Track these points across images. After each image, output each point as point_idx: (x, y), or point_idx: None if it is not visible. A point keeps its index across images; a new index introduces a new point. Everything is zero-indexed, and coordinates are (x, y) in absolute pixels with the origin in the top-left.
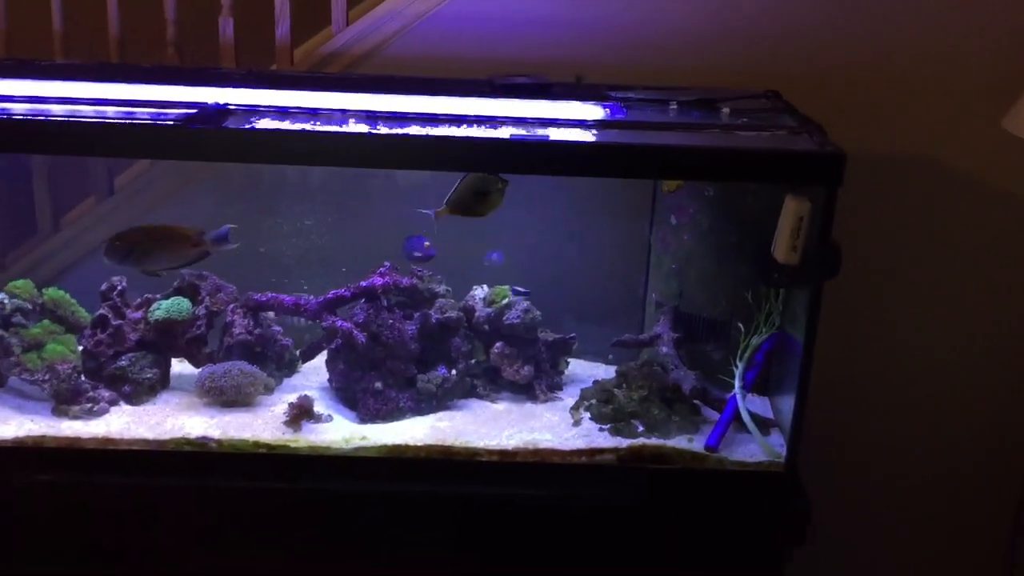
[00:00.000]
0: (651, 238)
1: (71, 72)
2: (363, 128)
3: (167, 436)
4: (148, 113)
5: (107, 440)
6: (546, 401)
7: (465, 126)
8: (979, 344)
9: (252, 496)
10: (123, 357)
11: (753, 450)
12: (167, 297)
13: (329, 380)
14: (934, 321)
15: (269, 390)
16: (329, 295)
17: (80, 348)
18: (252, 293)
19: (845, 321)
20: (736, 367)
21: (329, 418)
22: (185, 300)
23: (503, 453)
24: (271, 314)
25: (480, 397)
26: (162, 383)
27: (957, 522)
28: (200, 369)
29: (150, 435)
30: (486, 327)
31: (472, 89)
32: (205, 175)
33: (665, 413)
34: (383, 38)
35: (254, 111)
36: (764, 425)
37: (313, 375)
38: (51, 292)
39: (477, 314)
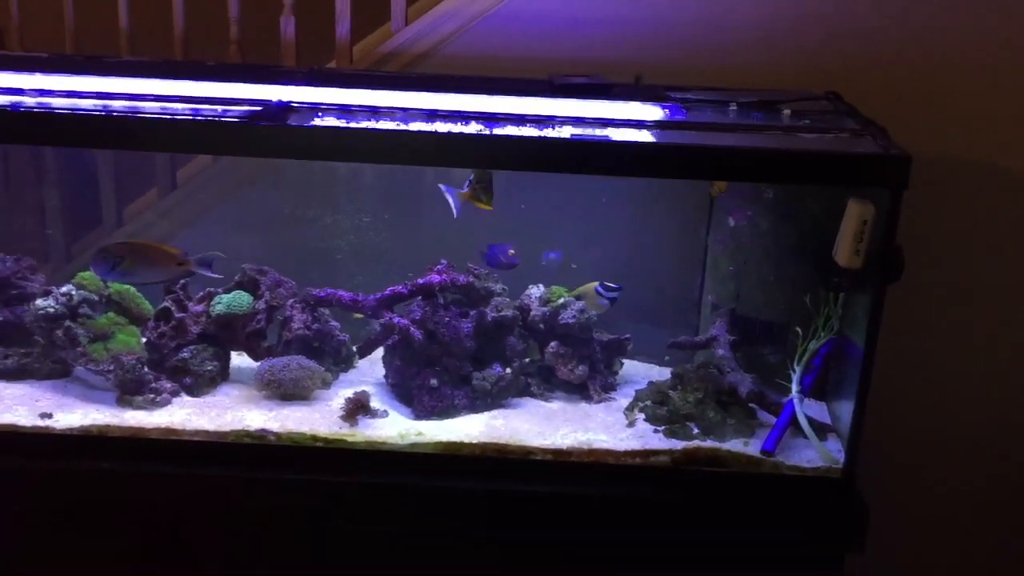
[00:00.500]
0: (708, 240)
1: (137, 69)
2: (424, 126)
3: (227, 428)
4: (213, 110)
5: (169, 430)
6: (600, 401)
7: (525, 126)
8: None
9: (309, 488)
10: (185, 349)
11: (810, 455)
12: (228, 291)
13: (385, 376)
14: (994, 325)
15: (326, 385)
16: (387, 292)
17: (143, 340)
18: (311, 288)
19: (903, 325)
20: (794, 371)
21: (385, 414)
22: (246, 294)
23: (557, 452)
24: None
25: (534, 396)
26: (222, 375)
27: (1018, 530)
28: (259, 363)
29: (211, 426)
30: (541, 326)
31: (531, 89)
32: (266, 171)
33: (721, 416)
34: (441, 37)
35: (316, 109)
36: (821, 430)
37: (369, 370)
38: (116, 284)
39: (532, 313)
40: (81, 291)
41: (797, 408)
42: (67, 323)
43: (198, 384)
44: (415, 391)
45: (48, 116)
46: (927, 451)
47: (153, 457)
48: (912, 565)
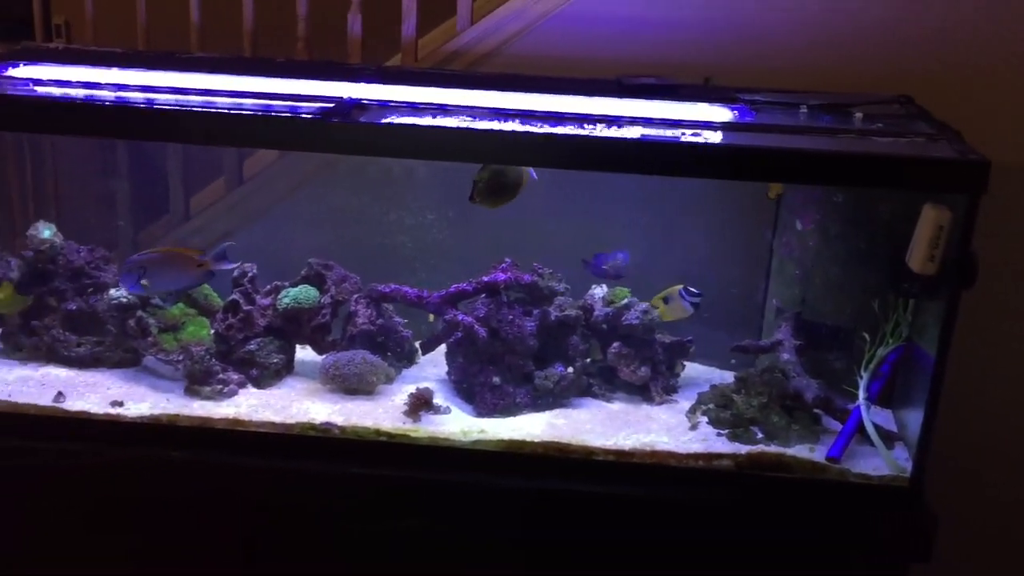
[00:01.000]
0: (773, 243)
1: (208, 65)
2: (495, 125)
3: (293, 420)
4: (285, 106)
5: (236, 421)
6: (662, 403)
7: (594, 125)
8: None
9: (371, 483)
10: (252, 341)
11: (877, 463)
12: (295, 285)
13: (448, 373)
14: None
15: (389, 380)
16: (451, 289)
17: (212, 331)
18: (376, 284)
19: (972, 331)
20: (861, 377)
21: (447, 410)
22: (312, 288)
23: (619, 453)
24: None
25: (595, 396)
26: (287, 368)
27: None
28: (324, 356)
29: (277, 418)
30: (604, 326)
31: (598, 89)
32: (330, 167)
33: (785, 421)
34: (506, 37)
35: (386, 106)
36: (888, 438)
37: (430, 367)
38: None
39: (595, 313)
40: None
41: (864, 415)
42: (139, 313)
43: (264, 376)
44: (477, 388)
45: (127, 110)
46: (994, 460)
47: (220, 447)
48: None
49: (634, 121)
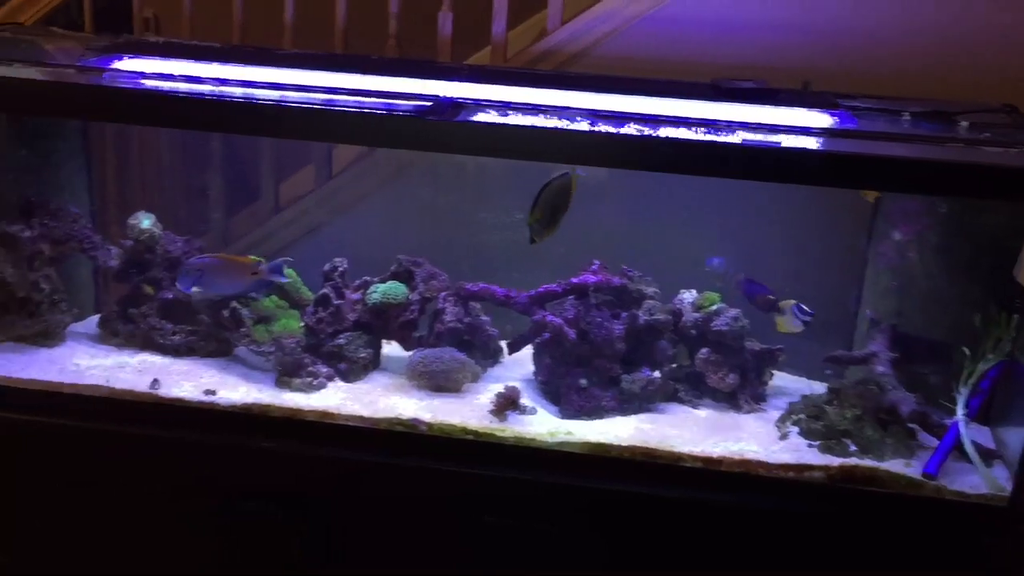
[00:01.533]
0: (868, 251)
1: (302, 61)
2: (595, 127)
3: (381, 415)
4: (380, 103)
5: (325, 414)
6: (750, 412)
7: (692, 129)
8: None
9: (458, 480)
10: (341, 336)
11: (974, 481)
12: (384, 281)
13: (534, 373)
14: None
15: (476, 378)
16: (540, 289)
17: (302, 324)
18: (464, 282)
19: None
20: (959, 393)
21: (533, 410)
22: (401, 285)
23: (708, 460)
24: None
25: (681, 402)
26: (373, 363)
27: None
28: (411, 352)
29: (365, 412)
30: (693, 332)
31: (693, 92)
32: (419, 165)
33: (879, 434)
34: (596, 38)
35: (481, 105)
36: (987, 456)
37: (514, 366)
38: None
39: (684, 318)
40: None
41: (962, 431)
42: (234, 304)
43: (352, 370)
44: (564, 390)
45: (231, 105)
46: None
47: (309, 439)
48: None
49: (733, 125)
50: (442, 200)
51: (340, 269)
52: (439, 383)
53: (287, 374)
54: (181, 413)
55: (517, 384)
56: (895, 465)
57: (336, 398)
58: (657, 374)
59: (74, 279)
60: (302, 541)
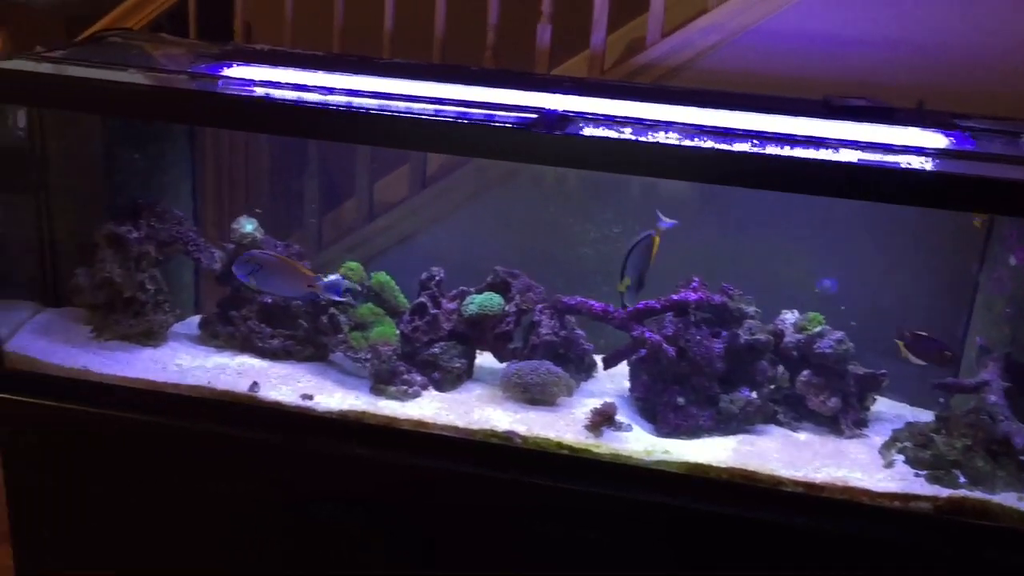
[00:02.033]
0: (980, 277)
1: (401, 70)
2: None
3: (475, 426)
4: (482, 115)
5: (420, 423)
6: (851, 437)
7: (808, 148)
8: None
9: (552, 495)
10: (436, 345)
11: None
12: (480, 292)
13: (630, 389)
14: None
15: (570, 392)
16: (639, 305)
17: (397, 332)
18: (560, 295)
19: None
20: None
21: (629, 427)
22: (497, 296)
23: (809, 486)
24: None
25: (780, 424)
26: (467, 373)
27: None
28: (504, 364)
29: (460, 423)
30: (794, 353)
31: (803, 108)
32: (516, 176)
33: (990, 466)
34: (697, 51)
35: (586, 118)
36: None
37: (608, 381)
38: (378, 276)
39: (786, 339)
40: (345, 281)
41: None
42: (332, 310)
43: (446, 380)
44: (660, 408)
45: (337, 113)
46: None
47: (404, 447)
48: None
49: (844, 144)
50: (538, 212)
51: (437, 278)
52: (534, 396)
53: (382, 381)
54: (279, 416)
55: (610, 399)
56: (1007, 498)
57: (431, 407)
58: (755, 395)
59: (175, 280)
60: (396, 549)
